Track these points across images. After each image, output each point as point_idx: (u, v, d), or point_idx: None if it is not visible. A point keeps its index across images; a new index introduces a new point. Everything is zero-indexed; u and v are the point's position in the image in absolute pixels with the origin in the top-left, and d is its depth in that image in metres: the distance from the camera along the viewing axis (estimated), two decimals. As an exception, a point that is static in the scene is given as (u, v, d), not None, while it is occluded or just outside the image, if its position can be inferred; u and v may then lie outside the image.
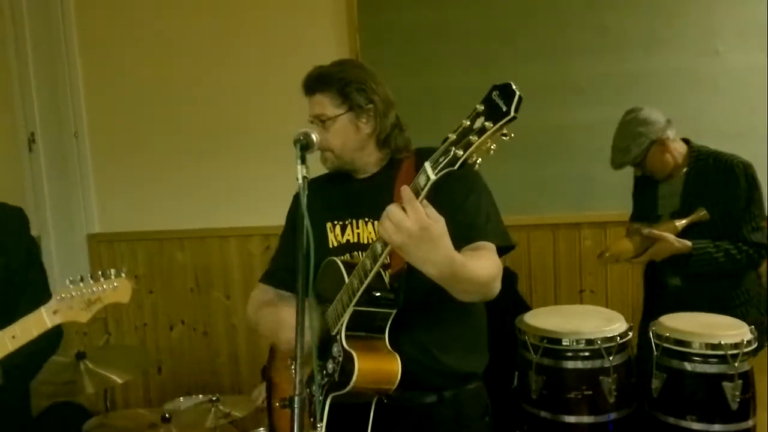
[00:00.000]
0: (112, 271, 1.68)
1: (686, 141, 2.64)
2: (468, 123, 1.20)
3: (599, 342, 2.18)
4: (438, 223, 1.33)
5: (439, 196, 1.57)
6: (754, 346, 2.16)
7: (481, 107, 1.19)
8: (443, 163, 1.24)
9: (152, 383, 3.69)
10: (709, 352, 2.12)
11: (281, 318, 1.66)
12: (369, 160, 1.77)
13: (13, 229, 1.94)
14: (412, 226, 1.30)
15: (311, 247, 1.38)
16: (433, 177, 1.26)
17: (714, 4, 3.13)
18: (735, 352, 2.10)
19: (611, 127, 2.65)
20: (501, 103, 1.16)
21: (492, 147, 1.20)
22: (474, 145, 1.19)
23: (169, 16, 3.47)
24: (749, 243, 2.45)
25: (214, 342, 3.64)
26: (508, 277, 3.20)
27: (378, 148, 1.76)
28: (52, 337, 1.82)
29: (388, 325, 1.58)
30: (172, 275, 3.62)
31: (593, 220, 3.27)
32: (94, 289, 1.66)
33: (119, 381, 2.60)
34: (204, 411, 2.61)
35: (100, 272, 1.67)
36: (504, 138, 1.19)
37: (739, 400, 2.10)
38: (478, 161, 1.22)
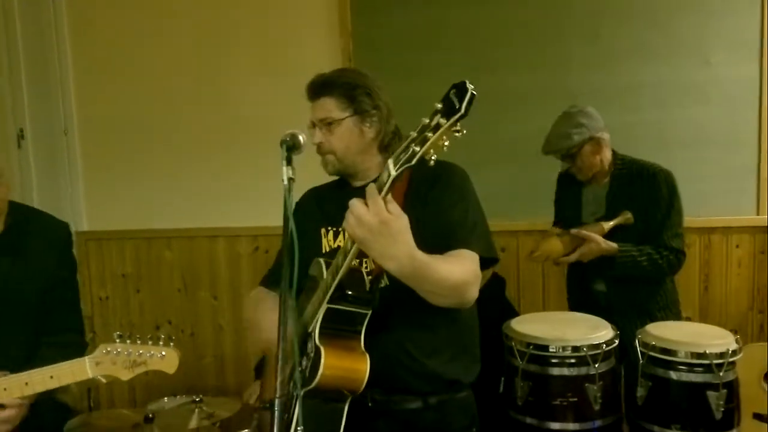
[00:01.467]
0: (162, 337, 1.70)
1: (613, 151, 2.70)
2: (427, 121, 1.24)
3: (585, 349, 2.17)
4: (399, 219, 1.35)
5: (429, 202, 1.58)
6: (740, 355, 2.17)
7: (439, 105, 1.23)
8: (403, 160, 1.27)
9: (137, 383, 3.65)
10: (695, 361, 2.12)
11: (256, 318, 1.73)
12: (369, 165, 1.79)
13: (61, 243, 1.97)
14: (372, 219, 1.32)
15: (296, 248, 1.37)
16: (393, 173, 1.29)
17: (706, 16, 3.15)
18: (720, 361, 2.10)
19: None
20: (455, 100, 1.20)
21: (446, 143, 1.23)
22: (429, 142, 1.22)
23: (160, 15, 3.46)
24: (669, 248, 2.54)
25: (200, 343, 3.62)
26: (497, 282, 3.19)
27: (379, 153, 1.78)
28: (81, 351, 1.89)
29: (365, 326, 1.57)
30: (159, 274, 3.61)
31: (583, 227, 3.28)
32: (141, 351, 1.67)
33: (103, 380, 2.57)
34: (187, 411, 2.60)
35: (149, 336, 1.69)
36: (457, 135, 1.22)
37: (723, 409, 2.10)
38: (433, 157, 1.25)
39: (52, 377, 1.68)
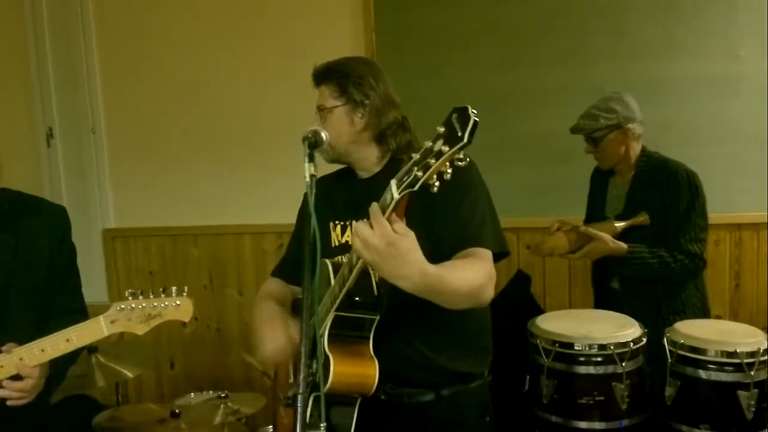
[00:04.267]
0: (174, 288, 1.68)
1: (642, 147, 2.63)
2: (430, 144, 1.22)
3: (612, 347, 2.14)
4: (405, 238, 1.32)
5: (436, 198, 1.57)
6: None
7: (441, 129, 1.20)
8: (405, 183, 1.25)
9: (165, 378, 3.71)
10: (725, 360, 2.08)
11: (260, 335, 1.75)
12: (365, 156, 1.78)
13: (59, 228, 1.95)
14: (379, 242, 1.30)
15: (318, 246, 1.38)
16: (396, 196, 1.27)
17: (734, 7, 3.08)
18: (751, 360, 2.06)
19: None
20: (458, 127, 1.18)
21: (449, 170, 1.21)
22: (432, 168, 1.21)
23: (185, 15, 3.49)
24: (685, 252, 2.44)
25: (226, 338, 3.65)
26: (522, 279, 3.17)
27: (376, 145, 1.77)
28: None
29: (373, 330, 1.58)
30: (186, 271, 3.64)
31: (609, 224, 3.24)
32: (155, 304, 1.66)
33: (130, 375, 2.61)
34: (213, 407, 2.62)
35: (162, 289, 1.68)
36: (460, 163, 1.20)
37: (754, 409, 2.05)
38: (436, 184, 1.23)
39: (68, 340, 1.64)
